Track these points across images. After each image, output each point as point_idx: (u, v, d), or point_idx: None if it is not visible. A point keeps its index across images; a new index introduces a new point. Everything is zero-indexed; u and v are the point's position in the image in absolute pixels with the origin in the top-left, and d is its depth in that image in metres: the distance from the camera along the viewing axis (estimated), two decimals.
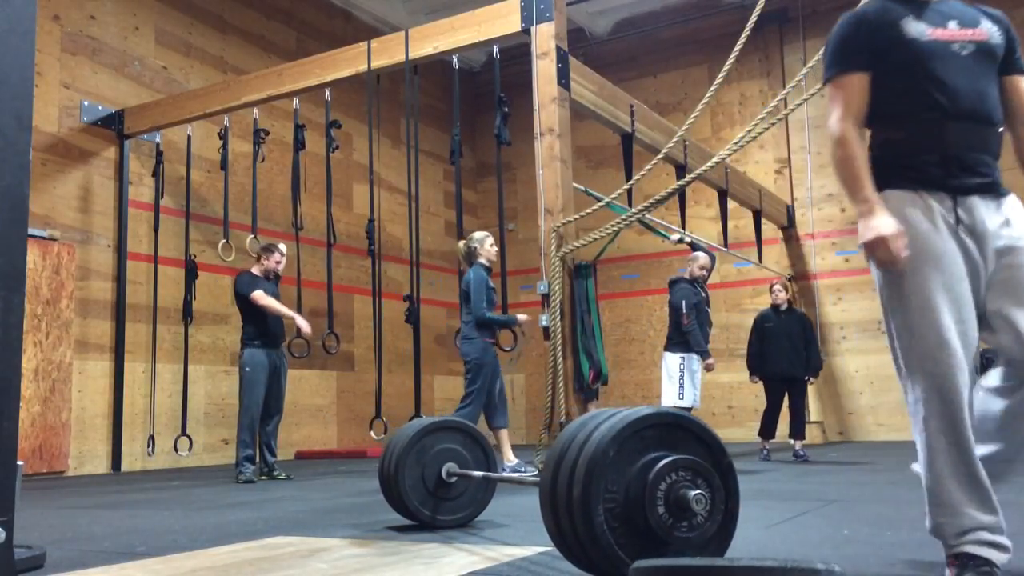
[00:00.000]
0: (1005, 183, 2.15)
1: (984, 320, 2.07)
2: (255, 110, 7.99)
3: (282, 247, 6.81)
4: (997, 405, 2.09)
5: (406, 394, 8.34)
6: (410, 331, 7.04)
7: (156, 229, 8.57)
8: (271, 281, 6.66)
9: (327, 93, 7.38)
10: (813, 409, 8.41)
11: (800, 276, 10.90)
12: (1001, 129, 2.15)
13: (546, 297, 5.72)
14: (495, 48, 6.55)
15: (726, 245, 9.42)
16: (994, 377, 2.12)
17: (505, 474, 4.44)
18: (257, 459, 6.49)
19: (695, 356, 6.43)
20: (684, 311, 6.38)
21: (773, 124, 5.44)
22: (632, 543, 2.00)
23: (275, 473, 6.48)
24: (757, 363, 7.44)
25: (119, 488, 6.16)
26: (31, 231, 6.97)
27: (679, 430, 2.10)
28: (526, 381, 12.09)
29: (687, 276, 6.65)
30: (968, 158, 2.06)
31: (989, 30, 2.14)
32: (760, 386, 7.66)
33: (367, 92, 7.50)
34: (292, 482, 6.22)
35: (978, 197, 2.06)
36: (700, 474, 2.03)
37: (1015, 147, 2.19)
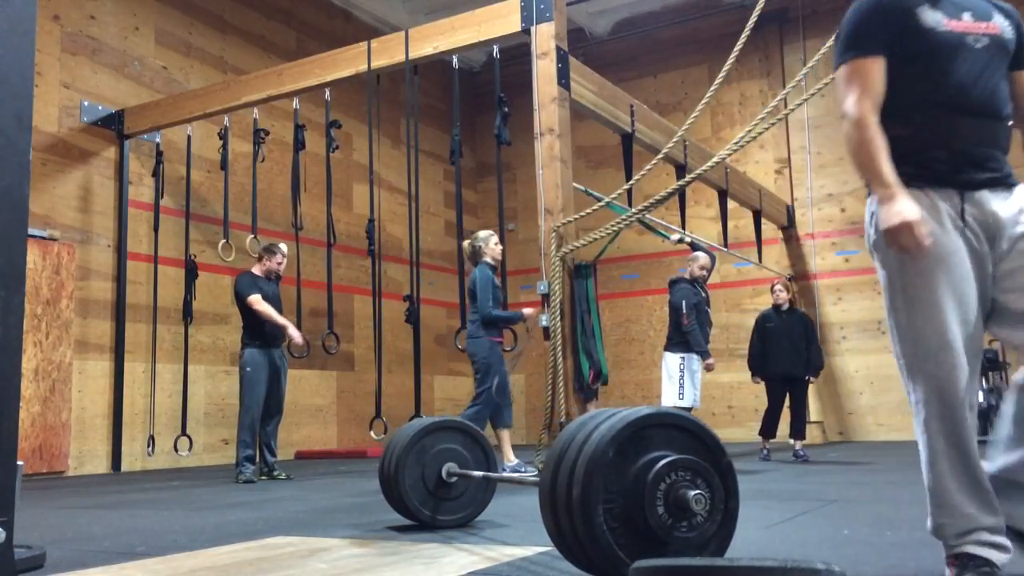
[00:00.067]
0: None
1: (995, 313, 2.03)
2: (255, 110, 7.99)
3: (283, 248, 6.81)
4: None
5: (406, 394, 8.35)
6: (410, 331, 7.04)
7: (156, 229, 8.57)
8: (272, 281, 6.66)
9: (327, 93, 7.38)
10: (813, 409, 8.42)
11: (800, 276, 10.90)
12: (1011, 123, 2.12)
13: (546, 297, 5.72)
14: (495, 48, 6.55)
15: (726, 245, 9.43)
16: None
17: (505, 474, 4.44)
18: (257, 459, 6.49)
19: (695, 356, 6.43)
20: (684, 311, 6.38)
21: (773, 124, 5.44)
22: (632, 543, 2.00)
23: (275, 473, 6.48)
24: (758, 363, 7.43)
25: (119, 488, 6.16)
26: (31, 231, 6.97)
27: (678, 430, 2.10)
28: (526, 381, 12.09)
29: (687, 276, 6.65)
30: (977, 153, 2.02)
31: (1001, 24, 2.11)
32: (760, 386, 7.66)
33: (367, 92, 7.50)
34: (292, 482, 6.22)
35: (988, 191, 2.02)
36: (699, 474, 2.03)
37: None
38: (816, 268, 10.97)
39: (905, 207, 1.93)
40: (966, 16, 2.07)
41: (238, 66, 9.68)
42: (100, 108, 8.39)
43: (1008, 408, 2.08)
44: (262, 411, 6.39)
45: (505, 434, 5.91)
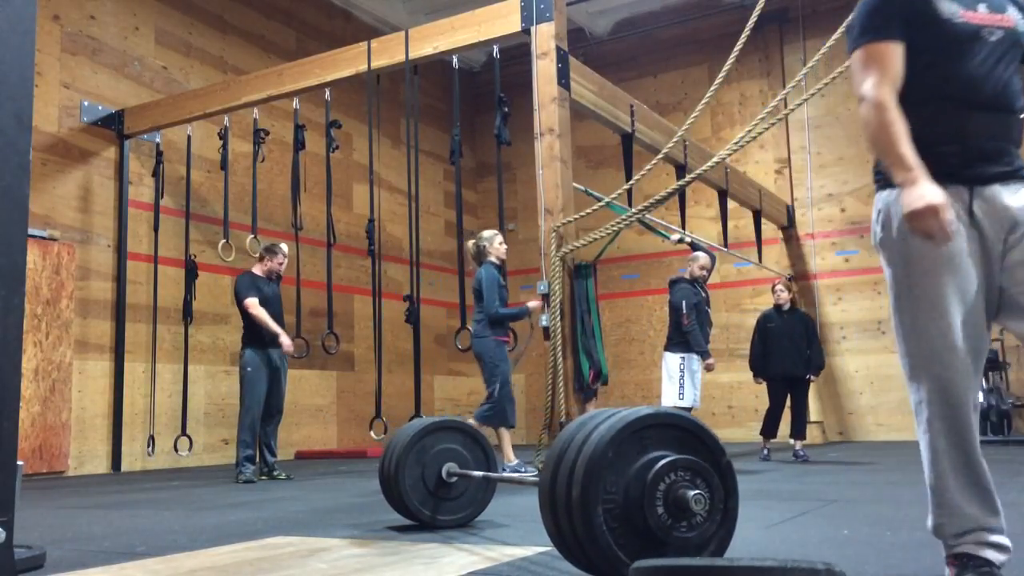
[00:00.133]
0: None
1: (1004, 305, 2.00)
2: (255, 110, 7.99)
3: (284, 248, 6.82)
4: None
5: (406, 394, 8.35)
6: (410, 331, 7.04)
7: (156, 229, 8.57)
8: (273, 281, 6.66)
9: (327, 93, 7.38)
10: (813, 409, 8.43)
11: (800, 276, 10.90)
12: (1023, 116, 2.09)
13: (546, 297, 5.73)
14: (495, 48, 6.55)
15: (726, 245, 9.43)
16: None
17: (505, 474, 4.44)
18: (257, 459, 6.49)
19: (695, 356, 6.43)
20: (684, 311, 6.38)
21: (773, 124, 5.44)
22: (631, 543, 2.00)
23: (275, 473, 6.48)
24: (760, 364, 7.43)
25: (119, 488, 6.16)
26: (31, 231, 6.97)
27: (678, 430, 2.10)
28: (526, 381, 12.08)
29: (687, 276, 6.65)
30: (989, 147, 1.99)
31: (1015, 17, 2.08)
32: (760, 386, 7.66)
33: (367, 92, 7.50)
34: (292, 482, 6.22)
35: (999, 185, 1.98)
36: (699, 474, 2.03)
37: None
38: (816, 268, 10.97)
39: (929, 191, 1.87)
40: (981, 8, 2.04)
41: (238, 66, 9.67)
42: (100, 108, 8.39)
43: None
44: (262, 411, 6.40)
45: (506, 434, 5.91)
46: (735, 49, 5.28)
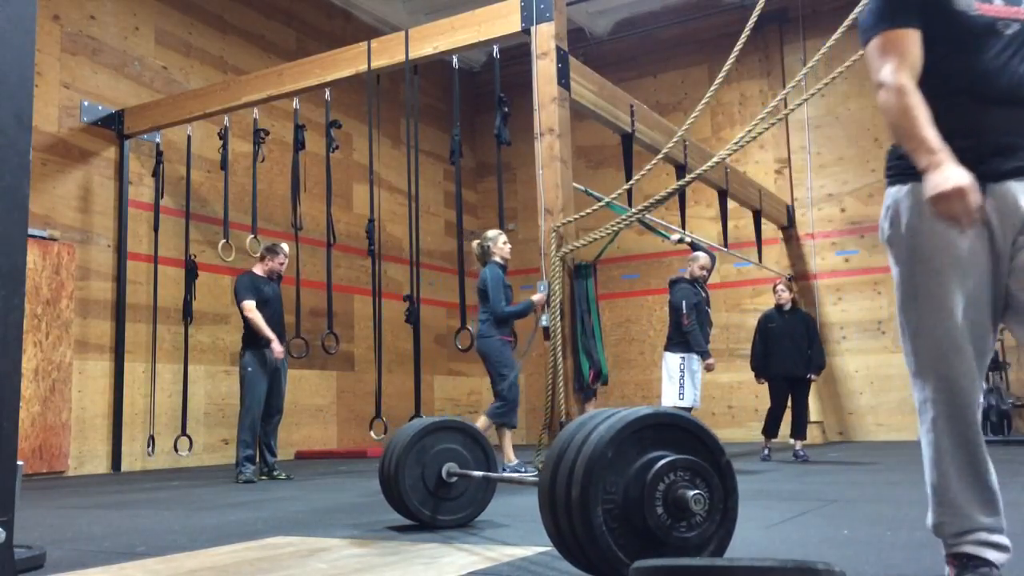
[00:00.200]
0: None
1: (1009, 306, 1.97)
2: (255, 110, 7.99)
3: (286, 248, 6.82)
4: None
5: (406, 394, 8.35)
6: (410, 331, 7.04)
7: (156, 229, 8.57)
8: (274, 281, 6.66)
9: (327, 93, 7.38)
10: (813, 409, 8.44)
11: (800, 276, 10.90)
12: None
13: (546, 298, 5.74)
14: (495, 48, 6.55)
15: (726, 245, 9.43)
16: None
17: (505, 474, 4.44)
18: (257, 459, 6.49)
19: (695, 356, 6.43)
20: (684, 311, 6.38)
21: (773, 124, 5.44)
22: (631, 543, 2.00)
23: (275, 473, 6.48)
24: (761, 364, 7.43)
25: (119, 488, 6.17)
26: (31, 231, 6.98)
27: (677, 430, 2.10)
28: (526, 381, 12.06)
29: (687, 276, 6.65)
30: (1004, 142, 1.94)
31: None
32: (760, 386, 7.65)
33: (367, 92, 7.50)
34: (292, 482, 6.22)
35: (1013, 181, 1.93)
36: (699, 474, 2.03)
37: None
38: (816, 268, 10.97)
39: (955, 173, 1.80)
40: (997, 0, 2.00)
41: (238, 66, 9.68)
42: (100, 108, 8.39)
43: None
44: (262, 411, 6.40)
45: (507, 434, 5.91)
46: (735, 49, 5.28)
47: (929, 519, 2.01)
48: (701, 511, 1.99)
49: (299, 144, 7.52)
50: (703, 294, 6.62)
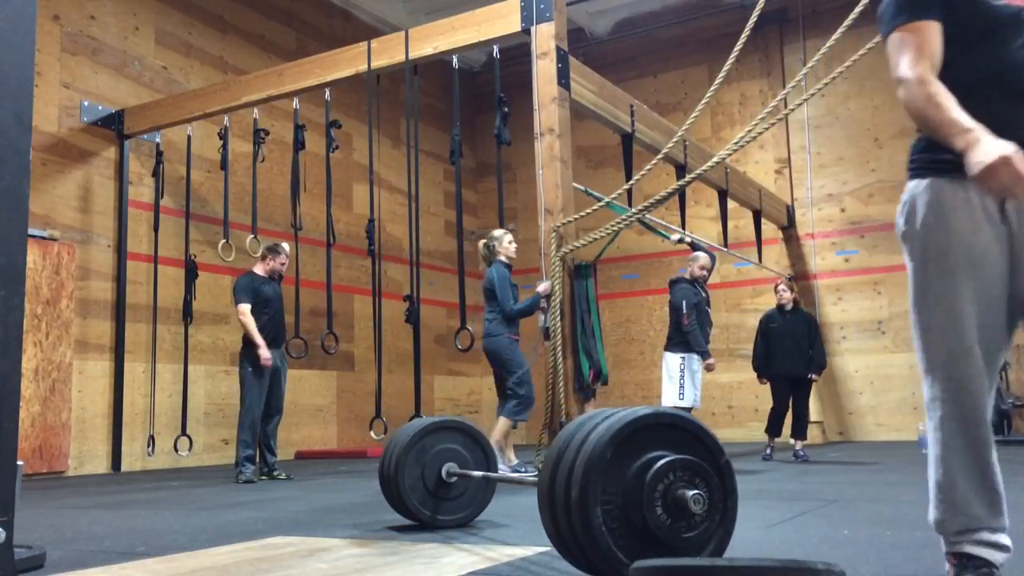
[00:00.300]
0: None
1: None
2: (255, 110, 7.99)
3: (287, 248, 6.82)
4: None
5: (406, 394, 8.35)
6: (410, 331, 7.04)
7: (156, 229, 8.57)
8: (275, 281, 6.66)
9: (327, 93, 7.38)
10: (813, 409, 8.46)
11: (800, 276, 10.90)
12: None
13: (546, 297, 5.73)
14: (495, 48, 6.55)
15: (726, 245, 9.43)
16: None
17: (505, 474, 4.44)
18: (257, 459, 6.49)
19: (695, 356, 6.42)
20: (684, 311, 6.38)
21: (773, 124, 5.44)
22: (631, 543, 2.00)
23: (275, 473, 6.48)
24: (763, 364, 7.44)
25: (119, 488, 6.17)
26: (31, 231, 6.98)
27: (676, 430, 2.10)
28: None
29: (687, 276, 6.65)
30: None
31: None
32: (759, 386, 7.65)
33: (367, 92, 7.50)
34: (292, 482, 6.23)
35: None
36: (698, 474, 2.03)
37: None
38: (816, 268, 10.97)
39: (995, 144, 1.74)
40: None
41: (238, 66, 9.68)
42: (100, 108, 8.39)
43: None
44: (262, 411, 6.40)
45: (508, 433, 5.90)
46: (735, 49, 5.28)
47: (931, 515, 2.01)
48: (700, 511, 1.99)
49: (299, 144, 7.52)
50: (703, 294, 6.62)
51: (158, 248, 8.56)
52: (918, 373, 2.04)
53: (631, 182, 6.28)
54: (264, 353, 6.29)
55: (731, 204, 9.57)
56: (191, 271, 8.21)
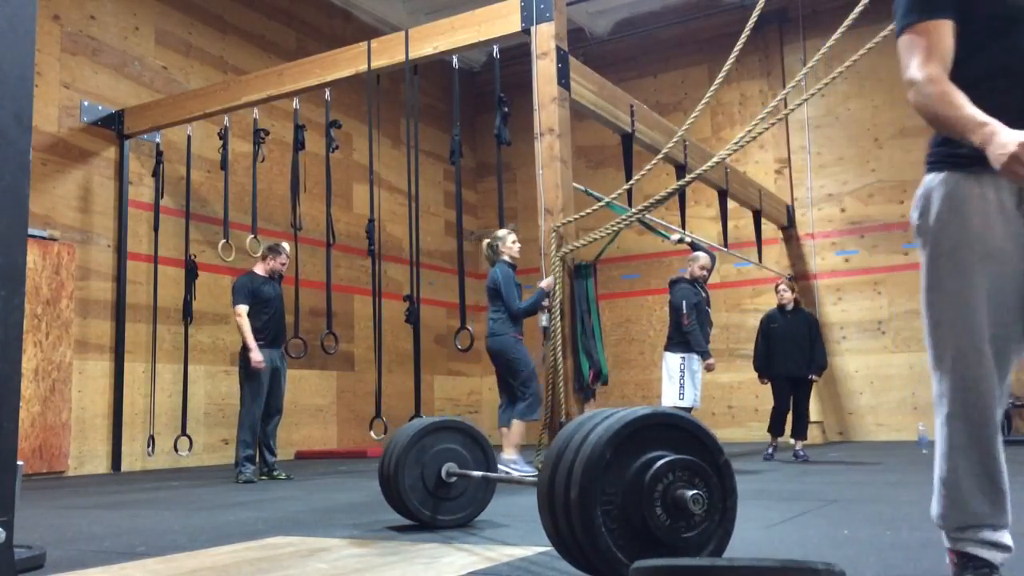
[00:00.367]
0: None
1: None
2: (255, 110, 7.99)
3: (287, 248, 6.82)
4: None
5: (406, 394, 8.35)
6: (410, 331, 7.04)
7: (156, 229, 8.57)
8: (275, 281, 6.67)
9: (327, 93, 7.38)
10: (813, 409, 8.47)
11: (800, 276, 10.90)
12: None
13: (547, 295, 5.73)
14: (495, 48, 6.55)
15: (726, 245, 9.43)
16: None
17: (504, 474, 4.44)
18: (257, 459, 6.49)
19: (695, 356, 6.42)
20: (684, 311, 6.38)
21: (773, 124, 5.45)
22: (630, 543, 2.00)
23: (275, 473, 6.48)
24: (764, 364, 7.44)
25: (119, 488, 6.17)
26: (31, 231, 6.98)
27: (676, 430, 2.10)
28: None
29: (687, 276, 6.65)
30: None
31: None
32: (760, 386, 7.65)
33: (367, 92, 7.50)
34: (292, 482, 6.23)
35: None
36: (697, 474, 2.02)
37: None
38: (816, 268, 10.97)
39: (1012, 134, 1.71)
40: None
41: (238, 66, 9.68)
42: (100, 108, 8.39)
43: None
44: (262, 411, 6.40)
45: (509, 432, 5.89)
46: (735, 49, 5.29)
47: (933, 509, 2.00)
48: (700, 511, 1.99)
49: (299, 144, 7.52)
50: (703, 294, 6.62)
51: (158, 248, 8.56)
52: (927, 368, 2.03)
53: (631, 182, 6.28)
54: (255, 356, 6.28)
55: (731, 204, 9.57)
56: (191, 271, 8.21)
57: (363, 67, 7.06)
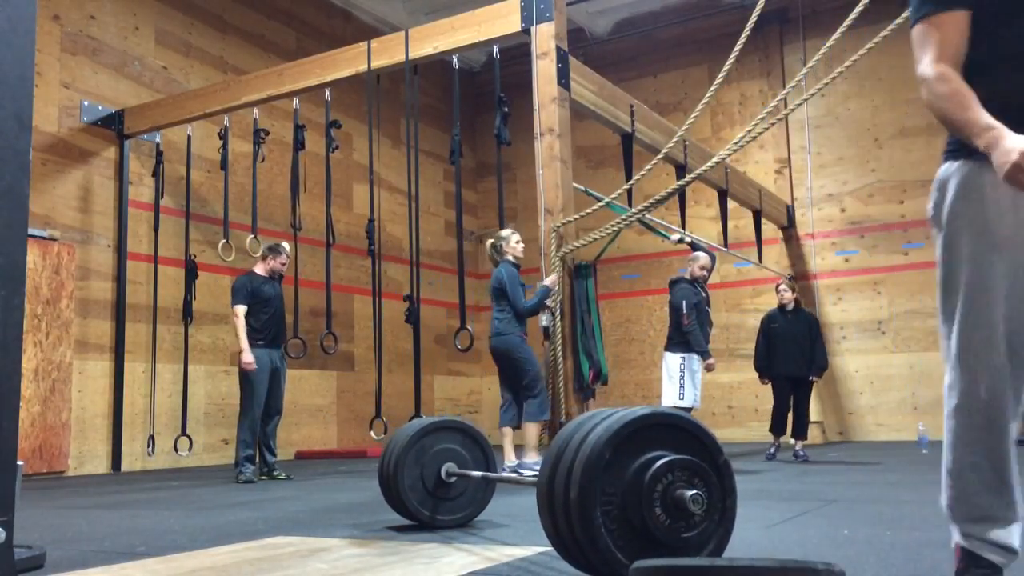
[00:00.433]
0: None
1: None
2: (255, 110, 7.99)
3: (288, 248, 6.82)
4: None
5: (406, 394, 8.35)
6: (410, 331, 7.04)
7: (156, 229, 8.57)
8: (275, 280, 6.67)
9: (327, 93, 7.38)
10: (813, 409, 8.47)
11: (800, 276, 10.90)
12: None
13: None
14: (495, 48, 6.55)
15: (726, 245, 9.43)
16: None
17: (504, 474, 4.44)
18: (257, 459, 6.49)
19: (695, 356, 6.42)
20: (684, 311, 6.38)
21: (773, 124, 5.45)
22: (630, 544, 2.00)
23: (275, 473, 6.48)
24: (765, 364, 7.44)
25: (119, 488, 6.17)
26: (31, 231, 6.98)
27: (675, 430, 2.10)
28: None
29: (687, 276, 6.64)
30: None
31: None
32: (760, 386, 7.65)
33: (367, 92, 7.51)
34: (292, 482, 6.23)
35: None
36: (697, 474, 2.02)
37: None
38: (816, 268, 10.97)
39: (1018, 140, 1.70)
40: None
41: (238, 66, 9.68)
42: (100, 108, 8.39)
43: None
44: (262, 411, 6.40)
45: (509, 434, 5.89)
46: (735, 49, 5.29)
47: (942, 499, 1.99)
48: (699, 511, 1.99)
49: (299, 144, 7.52)
50: (703, 294, 6.61)
51: (158, 248, 8.56)
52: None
53: (631, 182, 6.28)
54: (245, 358, 6.28)
55: (731, 204, 9.57)
56: (191, 271, 8.21)
57: (363, 67, 7.06)
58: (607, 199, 6.37)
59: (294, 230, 7.57)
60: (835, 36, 4.98)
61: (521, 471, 5.35)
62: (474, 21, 6.57)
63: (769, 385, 7.49)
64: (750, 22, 5.14)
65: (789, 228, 11.16)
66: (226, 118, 8.11)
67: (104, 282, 8.28)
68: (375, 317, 7.10)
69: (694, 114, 5.78)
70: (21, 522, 2.47)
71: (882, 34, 5.01)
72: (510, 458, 5.81)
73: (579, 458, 2.04)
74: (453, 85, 6.85)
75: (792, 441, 7.38)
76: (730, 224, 9.63)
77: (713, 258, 6.85)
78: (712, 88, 5.55)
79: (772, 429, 7.42)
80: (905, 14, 4.78)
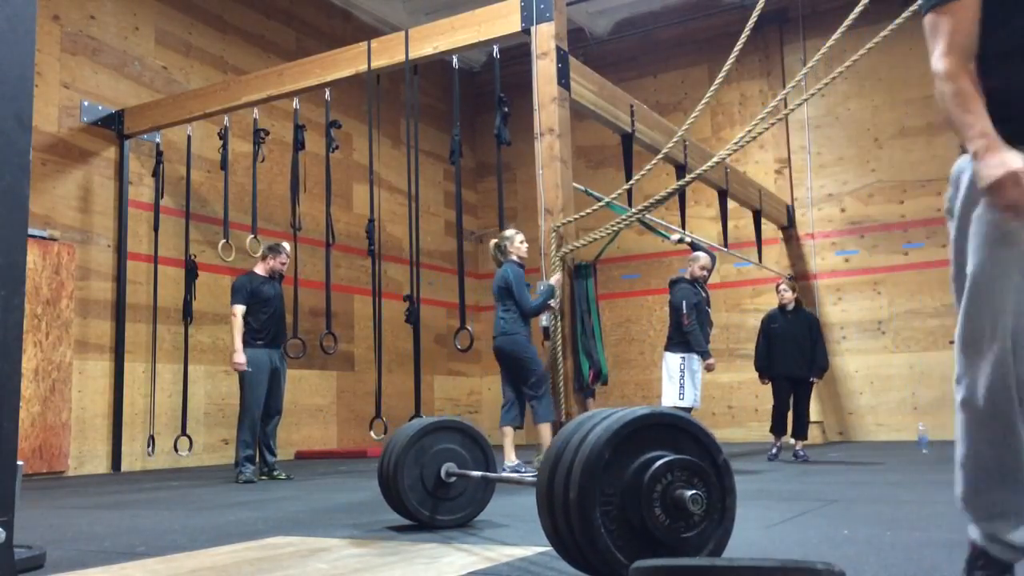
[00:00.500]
0: None
1: None
2: (255, 110, 7.99)
3: (288, 248, 6.82)
4: None
5: (406, 394, 8.35)
6: (410, 331, 7.04)
7: (156, 229, 8.57)
8: (275, 280, 6.67)
9: (327, 93, 7.38)
10: (813, 409, 8.47)
11: (800, 276, 10.90)
12: None
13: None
14: (495, 48, 6.56)
15: (726, 245, 9.43)
16: None
17: (504, 474, 4.44)
18: (257, 459, 6.50)
19: (695, 356, 6.42)
20: (684, 311, 6.38)
21: (773, 124, 5.45)
22: (630, 544, 1.99)
23: (275, 473, 6.48)
24: (765, 364, 7.44)
25: (119, 488, 6.17)
26: (31, 231, 6.98)
27: (675, 430, 2.10)
28: None
29: (687, 276, 6.64)
30: None
31: None
32: (760, 386, 7.65)
33: (367, 92, 7.51)
34: (292, 482, 6.23)
35: None
36: (696, 474, 2.02)
37: None
38: (816, 268, 10.97)
39: (1008, 156, 1.70)
40: None
41: (238, 66, 9.68)
42: (100, 108, 8.39)
43: None
44: (262, 411, 6.40)
45: (509, 434, 5.89)
46: (735, 49, 5.29)
47: (955, 491, 1.98)
48: (699, 511, 1.99)
49: (299, 144, 7.52)
50: (703, 294, 6.61)
51: (158, 248, 8.56)
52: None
53: (631, 182, 6.28)
54: (237, 359, 6.29)
55: (731, 204, 9.57)
56: (191, 271, 8.21)
57: (363, 67, 7.06)
58: (607, 199, 6.37)
59: (294, 230, 7.58)
60: (835, 36, 4.98)
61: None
62: (474, 21, 6.58)
63: (769, 385, 7.49)
64: (750, 22, 5.14)
65: (789, 228, 11.16)
66: (226, 118, 8.12)
67: (104, 282, 8.28)
68: (375, 317, 7.10)
69: (694, 114, 5.78)
70: (21, 522, 2.47)
71: (882, 34, 5.01)
72: (510, 458, 5.81)
73: (579, 458, 2.04)
74: (453, 85, 6.85)
75: (792, 441, 7.38)
76: (730, 224, 9.63)
77: (713, 258, 6.85)
78: (712, 88, 5.56)
79: (772, 430, 7.42)
80: (905, 14, 4.80)
